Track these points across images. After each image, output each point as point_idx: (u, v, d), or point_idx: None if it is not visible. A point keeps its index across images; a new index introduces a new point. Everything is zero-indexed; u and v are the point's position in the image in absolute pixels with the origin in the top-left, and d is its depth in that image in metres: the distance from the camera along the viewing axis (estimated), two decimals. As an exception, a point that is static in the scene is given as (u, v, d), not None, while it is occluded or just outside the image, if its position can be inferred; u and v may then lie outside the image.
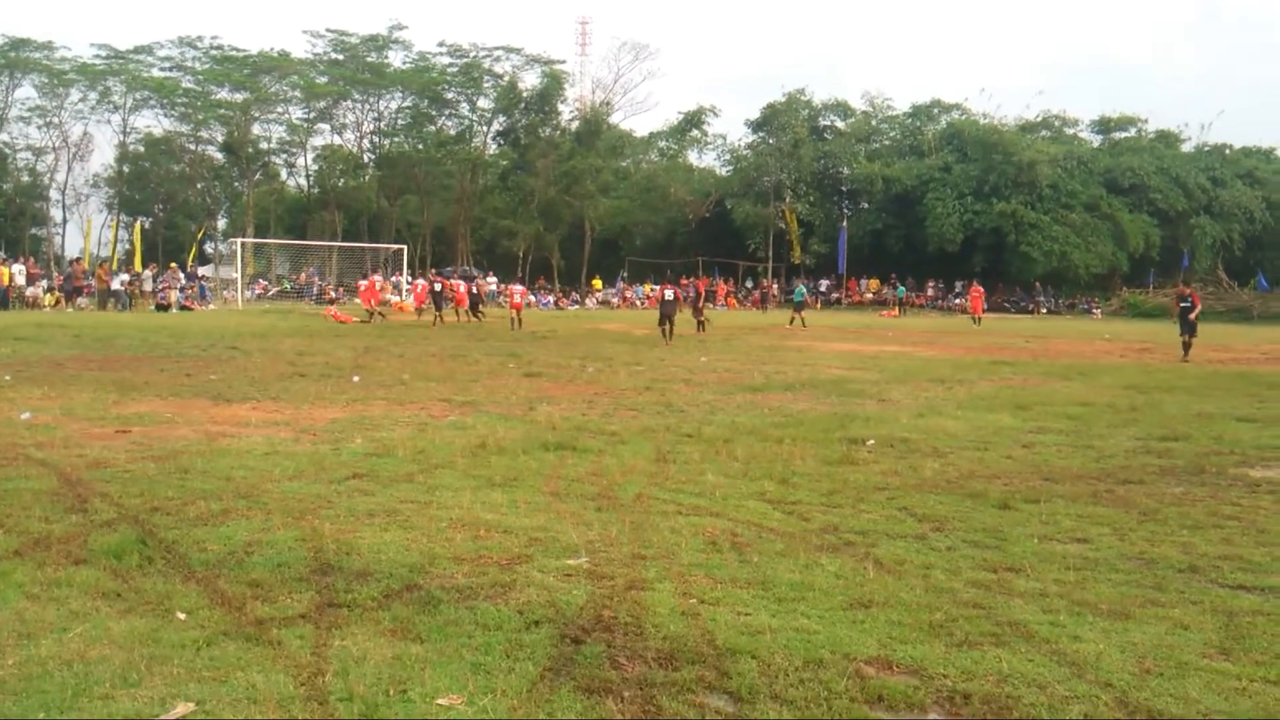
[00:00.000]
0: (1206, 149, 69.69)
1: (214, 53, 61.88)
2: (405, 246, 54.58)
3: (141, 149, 68.48)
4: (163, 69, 61.85)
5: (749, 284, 66.90)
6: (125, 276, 43.45)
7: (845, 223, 65.58)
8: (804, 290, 41.21)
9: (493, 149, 68.56)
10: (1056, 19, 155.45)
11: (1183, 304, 24.21)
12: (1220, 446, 10.93)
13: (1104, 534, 7.09)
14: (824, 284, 65.66)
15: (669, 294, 28.05)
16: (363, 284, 40.00)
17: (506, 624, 5.03)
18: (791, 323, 35.73)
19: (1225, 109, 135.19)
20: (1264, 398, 15.60)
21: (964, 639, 4.97)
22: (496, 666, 4.52)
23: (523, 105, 63.75)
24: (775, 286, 63.28)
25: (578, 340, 27.13)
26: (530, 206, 62.41)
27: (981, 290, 47.48)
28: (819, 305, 61.11)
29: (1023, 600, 5.59)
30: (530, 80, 64.60)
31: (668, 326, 27.02)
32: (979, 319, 42.74)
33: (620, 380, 16.95)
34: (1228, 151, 69.68)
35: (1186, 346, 23.35)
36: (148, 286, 43.05)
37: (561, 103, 65.59)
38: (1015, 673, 4.58)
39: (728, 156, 75.06)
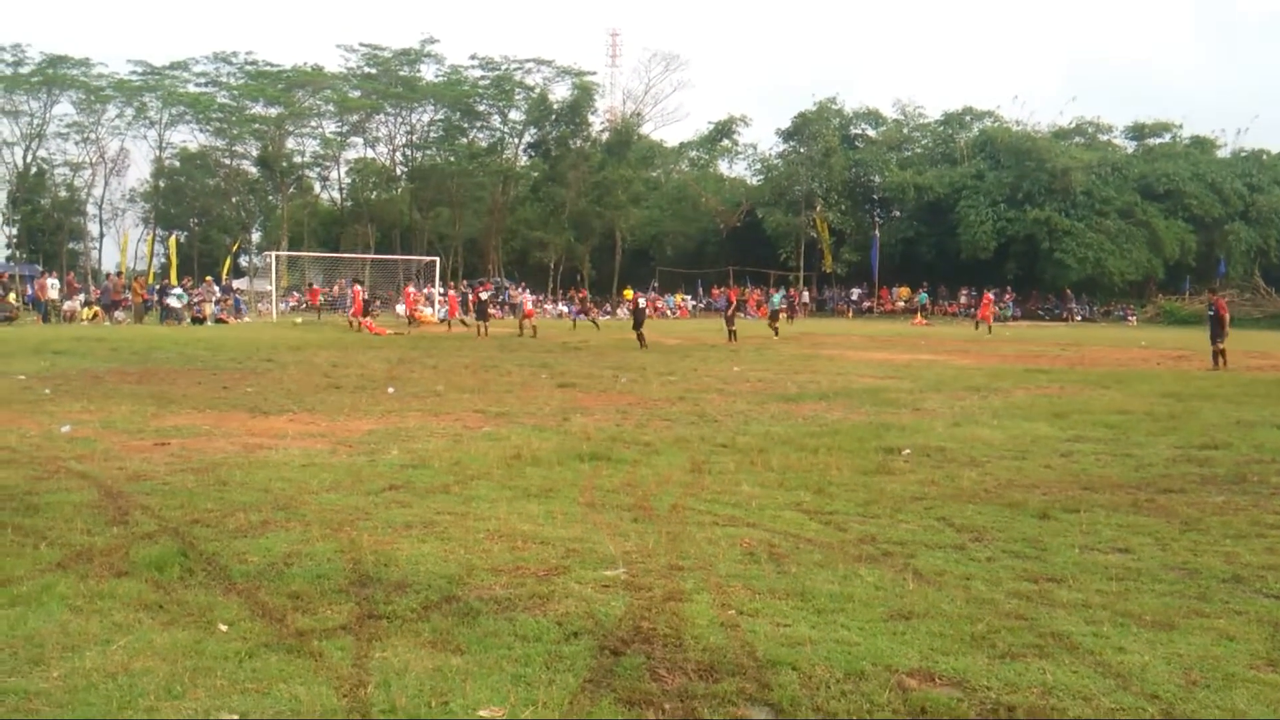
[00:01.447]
0: (1243, 154, 68.84)
1: (248, 68, 62.49)
2: (438, 259, 54.87)
3: (177, 164, 69.36)
4: (198, 85, 62.56)
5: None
6: (179, 291, 43.50)
7: (877, 231, 65.43)
8: (777, 300, 44.34)
9: (524, 161, 68.86)
10: (1088, 25, 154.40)
11: (1209, 311, 23.92)
12: (1262, 454, 10.79)
13: (1146, 544, 7.01)
14: (855, 292, 65.67)
15: (642, 301, 31.84)
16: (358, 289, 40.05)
17: (546, 635, 5.04)
18: (776, 332, 35.71)
19: (1260, 114, 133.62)
20: (1306, 405, 15.38)
21: (1007, 650, 4.93)
22: (537, 678, 4.53)
23: (554, 117, 64.02)
24: (806, 295, 63.15)
25: (609, 350, 27.16)
26: (561, 217, 62.63)
27: (991, 298, 47.23)
28: (851, 314, 61.15)
29: (1065, 611, 5.54)
30: (561, 92, 64.97)
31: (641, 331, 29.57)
32: (988, 326, 42.39)
33: (653, 390, 16.94)
34: (1264, 157, 68.74)
35: (1215, 355, 22.94)
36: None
37: (592, 114, 65.91)
38: (1059, 685, 4.54)
39: (758, 166, 75.31)
